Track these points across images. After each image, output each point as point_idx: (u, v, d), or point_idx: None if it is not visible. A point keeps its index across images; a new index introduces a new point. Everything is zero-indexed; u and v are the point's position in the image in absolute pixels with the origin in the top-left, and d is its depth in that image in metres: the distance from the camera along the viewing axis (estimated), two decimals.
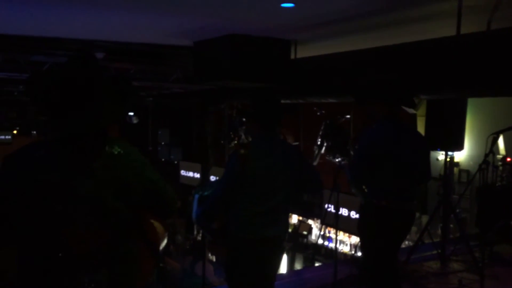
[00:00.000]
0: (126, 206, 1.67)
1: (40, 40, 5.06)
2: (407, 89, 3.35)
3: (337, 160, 7.81)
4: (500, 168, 5.50)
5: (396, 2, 3.39)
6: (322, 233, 8.72)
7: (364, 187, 3.21)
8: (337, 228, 4.00)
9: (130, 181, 1.68)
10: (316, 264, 8.02)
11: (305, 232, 8.96)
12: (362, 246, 3.37)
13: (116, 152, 1.68)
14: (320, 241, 8.58)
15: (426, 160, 3.29)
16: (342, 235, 8.35)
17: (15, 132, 14.46)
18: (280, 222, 2.86)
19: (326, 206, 8.11)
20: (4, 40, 4.95)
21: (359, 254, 7.98)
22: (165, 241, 1.89)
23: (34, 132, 14.25)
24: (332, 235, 8.43)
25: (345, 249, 8.26)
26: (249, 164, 2.68)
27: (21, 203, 1.56)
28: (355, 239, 8.02)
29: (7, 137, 14.67)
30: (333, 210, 7.77)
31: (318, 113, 7.61)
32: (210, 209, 2.85)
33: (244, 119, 9.34)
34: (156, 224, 1.85)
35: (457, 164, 6.13)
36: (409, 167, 3.11)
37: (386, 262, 3.25)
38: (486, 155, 4.17)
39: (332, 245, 8.41)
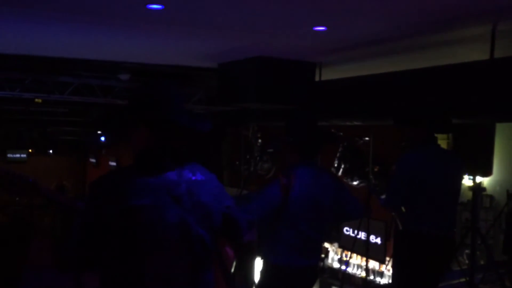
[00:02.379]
0: (208, 233, 1.66)
1: (68, 62, 5.12)
2: (445, 113, 3.31)
3: (355, 183, 7.68)
4: None
5: (429, 26, 3.37)
6: (339, 257, 8.57)
7: (403, 209, 3.14)
8: (367, 256, 3.89)
9: (211, 207, 1.69)
10: None
11: (323, 255, 8.82)
12: (397, 274, 3.28)
13: (198, 179, 1.69)
14: (338, 265, 8.43)
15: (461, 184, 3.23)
16: (359, 259, 8.20)
17: (30, 151, 14.60)
18: (316, 252, 2.80)
19: (345, 229, 8.02)
20: (32, 61, 5.02)
21: (378, 279, 7.83)
22: (234, 266, 1.87)
23: (51, 151, 14.37)
24: (350, 260, 8.29)
25: (363, 274, 8.09)
26: (291, 195, 2.61)
27: (111, 229, 1.54)
28: (373, 264, 7.87)
29: (22, 155, 14.82)
30: (352, 234, 7.67)
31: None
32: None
33: (260, 140, 9.27)
34: (228, 250, 1.85)
35: (483, 189, 6.01)
36: (450, 193, 3.05)
37: None
38: None
39: (350, 269, 8.25)
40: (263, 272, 2.75)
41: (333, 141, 3.07)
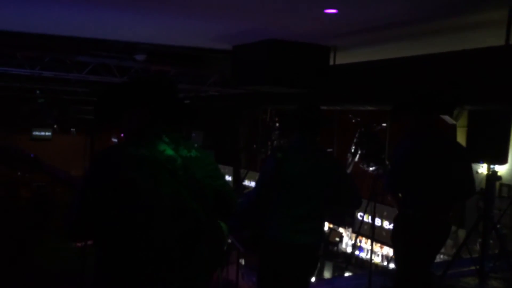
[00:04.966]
0: (202, 208, 1.73)
1: (86, 41, 5.22)
2: (442, 96, 3.29)
3: (371, 168, 7.66)
4: None
5: (443, 10, 3.31)
6: (353, 242, 8.59)
7: (400, 195, 3.18)
8: (373, 239, 3.93)
9: (205, 183, 1.76)
10: (346, 274, 7.91)
11: (337, 239, 8.88)
12: (395, 257, 3.33)
13: (194, 155, 1.76)
14: (351, 250, 8.46)
15: (468, 173, 3.19)
16: (374, 245, 8.21)
17: (55, 126, 14.91)
18: (313, 230, 2.83)
19: (359, 215, 8.03)
20: (52, 40, 5.13)
21: (391, 265, 7.82)
22: (227, 242, 1.92)
23: (73, 129, 14.67)
24: (364, 245, 8.30)
25: (376, 259, 8.11)
26: (284, 167, 2.69)
27: (108, 200, 1.61)
28: (387, 250, 7.87)
29: (47, 133, 15.18)
30: (366, 220, 7.67)
31: (354, 121, 7.49)
32: (244, 211, 2.84)
33: (278, 124, 9.29)
34: (222, 225, 1.89)
35: (499, 178, 5.92)
36: (445, 179, 3.06)
37: (419, 274, 3.19)
38: None
39: (363, 254, 8.27)
40: (262, 248, 2.80)
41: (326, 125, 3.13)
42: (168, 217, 1.66)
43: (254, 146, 10.33)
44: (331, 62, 5.08)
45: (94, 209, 1.62)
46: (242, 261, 8.34)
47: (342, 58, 5.07)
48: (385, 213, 7.77)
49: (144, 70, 5.82)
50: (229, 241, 2.00)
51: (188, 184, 1.70)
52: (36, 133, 15.00)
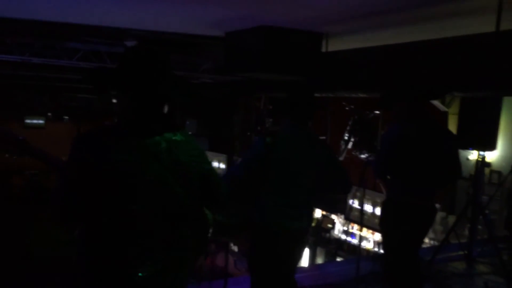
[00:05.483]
0: (186, 192, 1.73)
1: (76, 27, 5.16)
2: (429, 83, 3.33)
3: (363, 156, 7.73)
4: None
5: None
6: (345, 228, 8.68)
7: (388, 177, 3.23)
8: (362, 224, 3.97)
9: (190, 167, 1.75)
10: (338, 259, 8.01)
11: (330, 225, 8.96)
12: (383, 242, 3.38)
13: (178, 139, 1.75)
14: (343, 236, 8.55)
15: (454, 158, 3.23)
16: (365, 232, 8.30)
17: (49, 114, 14.80)
18: (304, 215, 2.86)
19: (350, 201, 8.10)
20: (41, 26, 5.07)
21: (382, 251, 7.92)
22: (211, 229, 1.93)
23: (66, 117, 14.59)
24: (355, 231, 8.39)
25: (368, 245, 8.20)
26: (273, 153, 2.70)
27: (91, 182, 1.60)
28: (378, 236, 7.96)
29: (40, 121, 15.09)
30: (357, 206, 7.74)
31: (347, 108, 7.50)
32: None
33: (271, 110, 9.28)
34: (206, 212, 1.90)
35: (488, 164, 5.99)
36: (432, 165, 3.10)
37: (406, 259, 3.25)
38: None
39: (355, 241, 8.37)
40: (252, 235, 2.83)
41: (321, 109, 3.13)
42: (151, 200, 1.66)
43: (248, 133, 10.34)
44: (323, 49, 5.07)
45: (78, 190, 1.62)
46: (235, 248, 8.40)
47: (334, 45, 5.06)
48: (378, 200, 7.84)
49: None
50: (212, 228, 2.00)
51: (172, 167, 1.69)
52: (28, 121, 14.91)
